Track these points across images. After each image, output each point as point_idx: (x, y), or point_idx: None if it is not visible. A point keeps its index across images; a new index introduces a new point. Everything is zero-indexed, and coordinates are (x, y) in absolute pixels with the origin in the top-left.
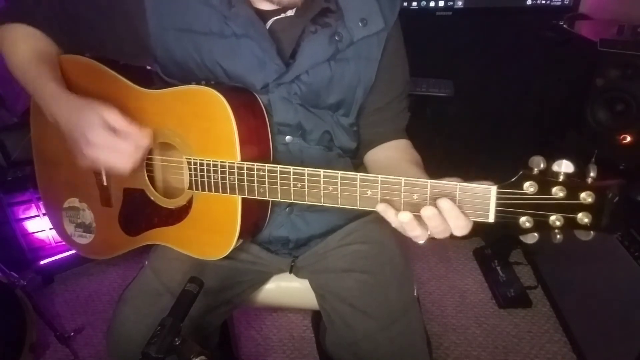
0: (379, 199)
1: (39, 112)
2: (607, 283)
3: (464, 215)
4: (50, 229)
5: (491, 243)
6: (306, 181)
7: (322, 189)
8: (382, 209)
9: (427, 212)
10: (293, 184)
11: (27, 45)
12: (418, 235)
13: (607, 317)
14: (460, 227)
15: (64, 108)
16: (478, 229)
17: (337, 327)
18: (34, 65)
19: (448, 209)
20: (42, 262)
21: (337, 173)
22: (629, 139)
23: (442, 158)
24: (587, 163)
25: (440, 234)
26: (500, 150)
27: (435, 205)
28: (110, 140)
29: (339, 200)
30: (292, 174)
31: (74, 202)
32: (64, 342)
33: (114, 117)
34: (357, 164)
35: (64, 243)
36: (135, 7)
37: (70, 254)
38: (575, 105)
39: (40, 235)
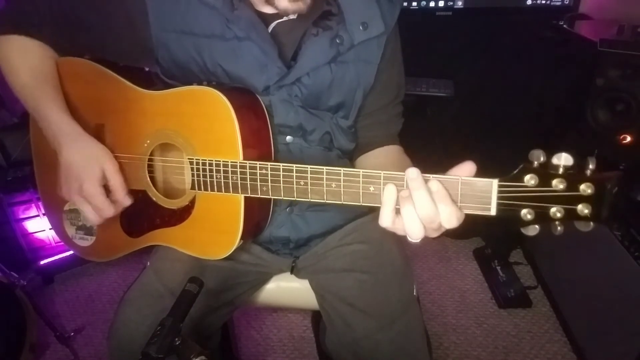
0: (382, 195)
1: None
2: (607, 283)
3: (451, 200)
4: (50, 229)
5: (491, 243)
6: (309, 178)
7: (325, 186)
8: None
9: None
10: (296, 181)
11: (24, 65)
12: (413, 227)
13: (607, 317)
14: (448, 213)
15: (70, 142)
16: (478, 228)
17: (337, 327)
18: (32, 90)
19: (436, 190)
20: (42, 262)
21: (340, 170)
22: (629, 139)
23: (442, 158)
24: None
25: (429, 219)
26: (500, 150)
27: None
28: (99, 199)
29: (342, 197)
30: (294, 171)
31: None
32: (64, 342)
33: (112, 174)
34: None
35: (65, 244)
36: (137, 9)
37: (70, 254)
38: (575, 105)
39: (40, 235)
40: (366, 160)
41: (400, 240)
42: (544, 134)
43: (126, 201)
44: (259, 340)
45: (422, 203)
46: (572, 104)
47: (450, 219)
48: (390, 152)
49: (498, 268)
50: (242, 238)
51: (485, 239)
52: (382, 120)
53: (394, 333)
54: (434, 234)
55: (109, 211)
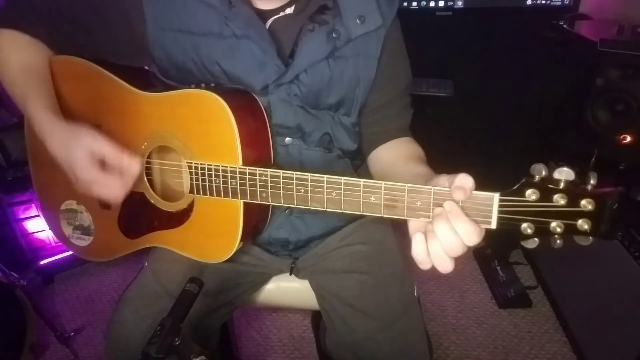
0: (382, 205)
1: None
2: (607, 283)
3: (467, 217)
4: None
5: (491, 243)
6: (309, 187)
7: (325, 194)
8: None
9: (435, 211)
10: (296, 189)
11: (15, 60)
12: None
13: (607, 317)
14: (467, 230)
15: (52, 140)
16: None
17: (337, 328)
18: (21, 84)
19: (450, 210)
20: (42, 262)
21: (341, 179)
22: (629, 139)
23: (442, 158)
24: (587, 165)
25: (448, 241)
26: (500, 151)
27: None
28: (97, 176)
29: (343, 205)
30: (295, 179)
31: (71, 204)
32: (64, 342)
33: (100, 147)
34: (357, 164)
35: (62, 244)
36: (134, 8)
37: (70, 254)
38: (575, 105)
39: (40, 235)
40: (378, 153)
41: (400, 241)
42: (544, 134)
43: (133, 166)
44: (259, 340)
45: (444, 235)
46: (572, 104)
47: (470, 237)
48: (402, 143)
49: (498, 268)
50: (241, 241)
51: (485, 239)
52: (391, 114)
53: (394, 333)
54: (452, 246)
55: (118, 184)
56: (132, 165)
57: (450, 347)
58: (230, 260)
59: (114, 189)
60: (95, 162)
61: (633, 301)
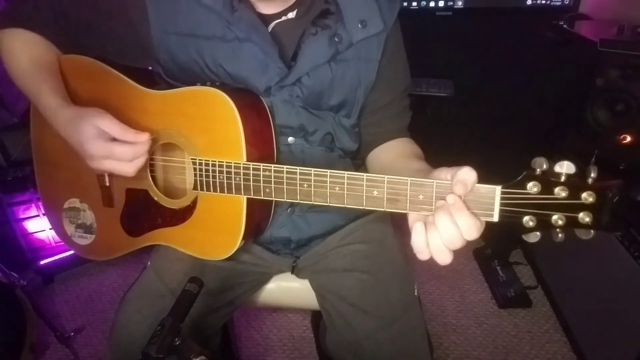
0: (385, 199)
1: (39, 112)
2: (607, 283)
3: (469, 211)
4: (50, 229)
5: (491, 243)
6: (312, 181)
7: (328, 188)
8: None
9: (438, 203)
10: (299, 184)
11: (25, 53)
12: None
13: (607, 317)
14: (467, 224)
15: (62, 122)
16: None
17: (338, 327)
18: (32, 75)
19: (452, 203)
20: (42, 262)
21: (344, 173)
22: (629, 139)
23: (442, 158)
24: (587, 163)
25: (449, 234)
26: (500, 151)
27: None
28: (107, 149)
29: (345, 200)
30: (298, 174)
31: (74, 202)
32: (64, 342)
33: (107, 124)
34: (358, 164)
35: (64, 243)
36: (138, 11)
37: (70, 254)
38: (575, 105)
39: (40, 235)
40: (376, 155)
41: (401, 241)
42: (544, 134)
43: (141, 138)
44: (259, 340)
45: (445, 227)
46: (572, 104)
47: (470, 231)
48: (401, 144)
49: (498, 268)
50: (243, 238)
51: (485, 239)
52: (390, 116)
53: (394, 333)
54: (451, 240)
55: (129, 155)
56: (140, 138)
57: (450, 347)
58: (231, 259)
59: (125, 162)
60: (103, 138)
61: (633, 301)
